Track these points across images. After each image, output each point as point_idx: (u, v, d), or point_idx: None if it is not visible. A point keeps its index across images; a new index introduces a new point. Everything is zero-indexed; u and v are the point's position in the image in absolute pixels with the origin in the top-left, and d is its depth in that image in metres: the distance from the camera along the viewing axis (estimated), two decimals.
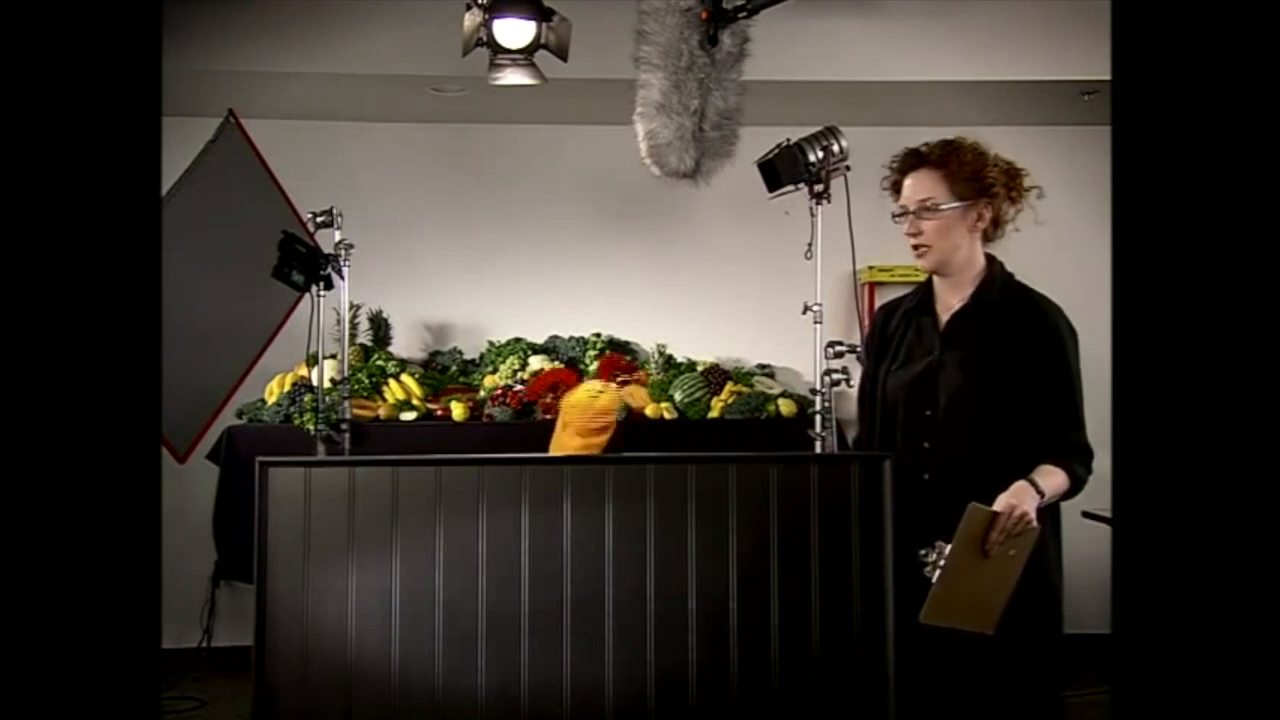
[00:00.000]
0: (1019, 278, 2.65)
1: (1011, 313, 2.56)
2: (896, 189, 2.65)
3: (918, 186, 2.59)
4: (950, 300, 2.62)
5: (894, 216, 2.64)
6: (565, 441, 2.85)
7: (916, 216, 2.57)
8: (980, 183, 2.56)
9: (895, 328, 2.69)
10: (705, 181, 3.11)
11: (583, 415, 2.52)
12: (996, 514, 2.33)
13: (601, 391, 2.66)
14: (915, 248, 2.60)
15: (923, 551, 2.35)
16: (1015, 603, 2.38)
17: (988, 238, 2.62)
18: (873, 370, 2.72)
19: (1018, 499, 2.35)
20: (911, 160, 2.62)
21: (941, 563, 2.32)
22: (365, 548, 2.12)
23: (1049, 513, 2.47)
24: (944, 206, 2.55)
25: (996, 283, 2.60)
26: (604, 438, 2.45)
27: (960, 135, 2.62)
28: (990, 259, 2.63)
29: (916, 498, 2.45)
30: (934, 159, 2.58)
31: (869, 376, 2.74)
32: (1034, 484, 2.38)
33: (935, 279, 2.66)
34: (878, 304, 3.33)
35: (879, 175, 2.76)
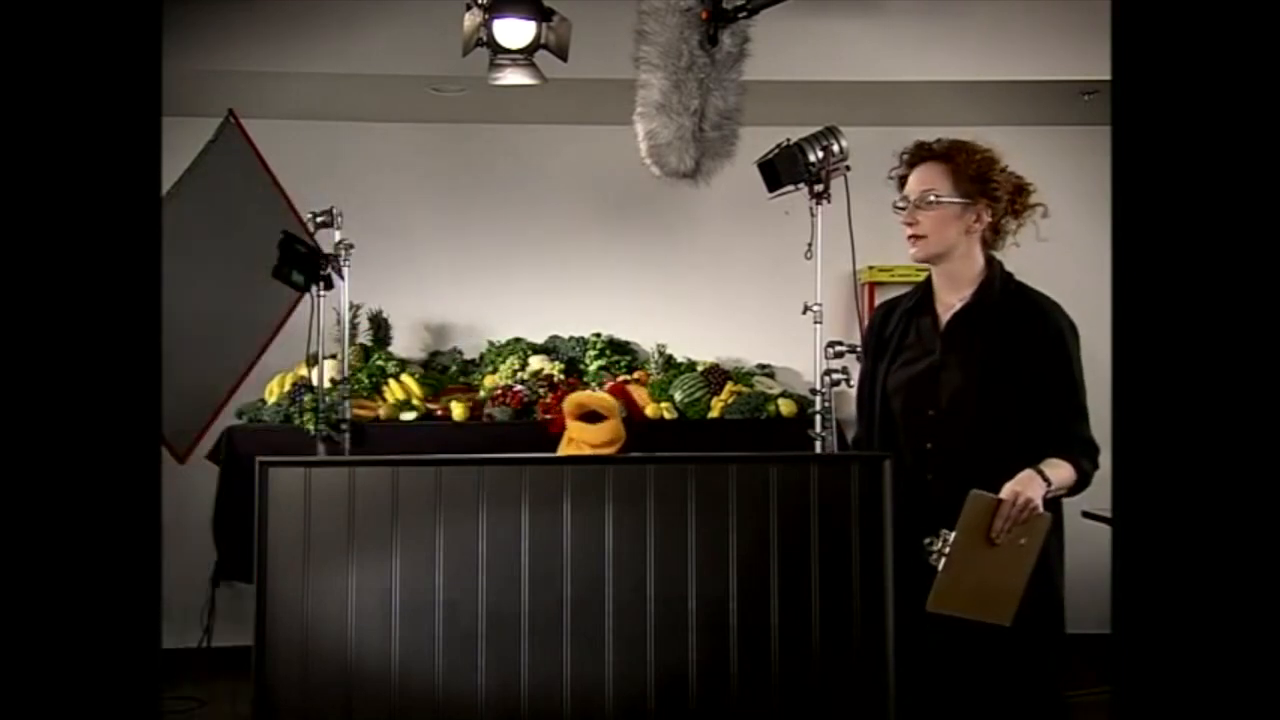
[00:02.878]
0: (1018, 277, 2.65)
1: (1012, 312, 2.56)
2: (903, 184, 2.66)
3: (921, 178, 2.60)
4: (950, 300, 2.62)
5: (895, 206, 2.65)
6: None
7: (915, 207, 2.58)
8: (984, 184, 2.56)
9: (894, 327, 2.69)
10: (705, 181, 3.10)
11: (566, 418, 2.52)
12: (1000, 501, 2.34)
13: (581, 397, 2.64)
14: (910, 238, 2.61)
15: (928, 540, 2.35)
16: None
17: (987, 244, 2.63)
18: (871, 369, 2.72)
19: (1023, 486, 2.35)
20: (919, 153, 2.63)
21: (946, 550, 2.32)
22: (365, 548, 2.12)
23: (1053, 510, 2.47)
24: (944, 199, 2.56)
25: (996, 283, 2.60)
26: (613, 449, 2.44)
27: (974, 139, 2.63)
28: (990, 260, 2.63)
29: (919, 498, 2.45)
30: (941, 153, 2.60)
31: (867, 375, 2.74)
32: (1041, 473, 2.39)
33: (934, 279, 2.66)
34: (877, 304, 3.33)
35: (879, 175, 2.76)
